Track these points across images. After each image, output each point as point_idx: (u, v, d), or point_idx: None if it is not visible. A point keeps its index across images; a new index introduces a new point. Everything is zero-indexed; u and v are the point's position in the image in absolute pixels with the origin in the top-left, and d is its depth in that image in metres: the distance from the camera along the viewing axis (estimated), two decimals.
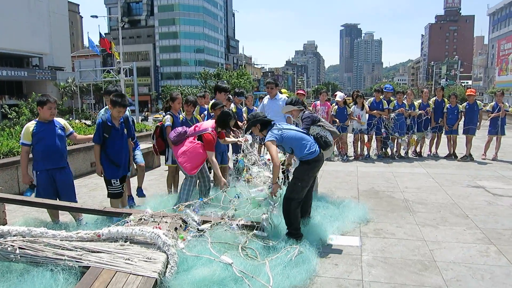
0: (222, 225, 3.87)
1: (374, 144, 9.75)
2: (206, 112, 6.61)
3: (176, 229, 3.71)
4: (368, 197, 6.07)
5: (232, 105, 7.22)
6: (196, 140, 4.80)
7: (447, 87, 67.26)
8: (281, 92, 8.81)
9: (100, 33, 31.24)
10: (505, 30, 74.33)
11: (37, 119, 4.48)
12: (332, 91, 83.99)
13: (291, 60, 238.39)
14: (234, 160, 6.02)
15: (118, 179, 4.70)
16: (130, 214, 3.94)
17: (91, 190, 6.86)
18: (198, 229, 3.83)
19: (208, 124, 4.92)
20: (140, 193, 5.82)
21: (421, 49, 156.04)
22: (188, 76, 75.11)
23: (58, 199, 4.56)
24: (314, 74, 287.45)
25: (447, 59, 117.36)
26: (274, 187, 4.10)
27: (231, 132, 5.88)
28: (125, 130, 4.79)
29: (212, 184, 5.32)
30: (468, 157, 9.15)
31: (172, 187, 5.98)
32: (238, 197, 4.35)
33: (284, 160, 5.30)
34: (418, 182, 6.98)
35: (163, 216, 3.93)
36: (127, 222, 3.75)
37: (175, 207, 4.27)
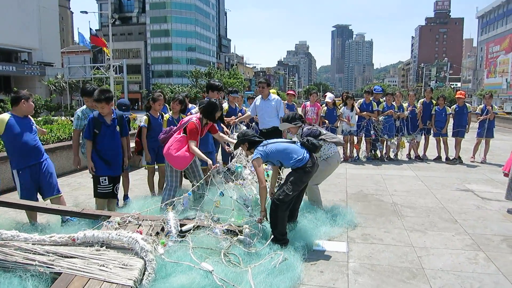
0: (204, 229, 3.74)
1: (363, 146, 9.69)
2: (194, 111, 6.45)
3: (157, 233, 3.56)
4: (357, 200, 5.98)
5: (225, 105, 7.03)
6: (181, 133, 4.62)
7: (437, 89, 67.90)
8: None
9: (90, 29, 30.81)
10: (493, 32, 75.32)
11: (11, 113, 4.28)
12: (323, 91, 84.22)
13: (282, 60, 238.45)
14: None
15: (106, 178, 4.53)
16: (109, 216, 3.78)
17: (74, 189, 6.66)
18: (181, 230, 3.69)
19: (193, 115, 4.77)
20: (127, 199, 5.76)
21: (411, 50, 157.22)
22: (179, 74, 74.59)
23: (40, 192, 4.43)
24: (306, 74, 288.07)
25: (436, 61, 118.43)
26: (261, 215, 3.98)
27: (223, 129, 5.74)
28: (118, 127, 4.62)
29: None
30: (457, 160, 9.13)
31: (157, 188, 5.82)
32: (223, 194, 4.21)
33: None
34: (407, 185, 6.92)
35: (144, 219, 3.78)
36: (109, 224, 3.59)
37: (162, 206, 4.14)
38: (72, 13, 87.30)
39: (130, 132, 8.98)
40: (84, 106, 5.15)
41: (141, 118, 5.59)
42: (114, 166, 4.55)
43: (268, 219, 4.00)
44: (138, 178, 7.45)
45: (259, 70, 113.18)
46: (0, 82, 40.38)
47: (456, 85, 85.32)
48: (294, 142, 4.22)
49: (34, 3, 39.75)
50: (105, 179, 4.51)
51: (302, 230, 4.26)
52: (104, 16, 65.21)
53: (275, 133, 6.33)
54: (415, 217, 5.15)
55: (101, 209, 4.39)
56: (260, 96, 6.70)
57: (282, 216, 3.89)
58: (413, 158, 9.58)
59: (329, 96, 9.33)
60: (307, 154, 4.04)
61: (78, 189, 6.66)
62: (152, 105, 5.60)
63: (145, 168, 6.06)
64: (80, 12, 27.14)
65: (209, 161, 4.43)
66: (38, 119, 11.83)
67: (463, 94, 9.50)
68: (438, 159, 9.41)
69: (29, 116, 4.41)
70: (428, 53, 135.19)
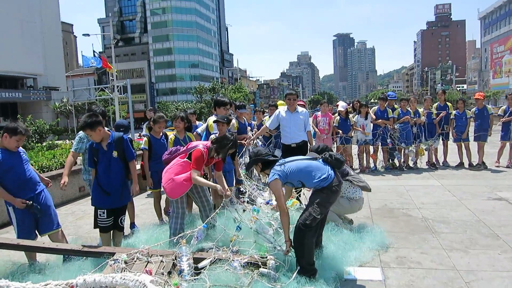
0: (222, 263, 3.30)
1: (380, 155, 9.20)
2: (203, 128, 6.04)
3: (169, 273, 3.13)
4: (382, 216, 5.50)
5: (234, 121, 6.61)
6: (185, 158, 4.18)
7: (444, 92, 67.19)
8: (276, 107, 8.23)
9: (94, 51, 30.89)
10: (497, 33, 74.93)
11: None
12: (328, 101, 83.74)
13: (285, 71, 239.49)
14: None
15: (105, 211, 4.08)
16: (114, 253, 3.36)
17: (78, 218, 6.27)
18: (197, 267, 3.26)
19: (202, 142, 4.36)
20: (133, 227, 5.36)
21: (414, 55, 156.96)
22: (183, 91, 74.86)
23: (37, 227, 4.02)
24: (309, 84, 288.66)
25: (440, 64, 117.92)
26: (287, 245, 3.52)
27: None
28: (116, 152, 4.15)
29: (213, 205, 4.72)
30: (481, 165, 8.61)
31: (164, 215, 5.41)
32: (240, 228, 3.77)
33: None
34: (434, 197, 6.42)
35: (153, 255, 3.35)
36: (114, 263, 3.17)
37: (174, 240, 3.69)
38: (76, 37, 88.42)
39: (139, 153, 8.57)
40: None
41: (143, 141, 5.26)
42: (114, 197, 4.10)
43: (293, 248, 3.55)
44: (145, 203, 7.03)
45: (262, 82, 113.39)
46: (7, 108, 40.65)
47: (463, 87, 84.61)
48: (315, 159, 3.78)
49: (38, 29, 40.20)
50: (103, 212, 4.07)
51: (330, 256, 3.80)
52: (107, 38, 66.08)
53: (303, 147, 5.88)
54: (451, 234, 4.67)
55: (106, 244, 3.97)
56: (284, 108, 6.07)
57: (309, 244, 3.44)
58: (429, 166, 9.01)
59: (342, 105, 8.90)
60: (332, 171, 3.60)
61: (82, 218, 6.27)
62: (152, 126, 5.27)
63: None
64: (82, 35, 27.22)
65: (218, 187, 4.03)
66: (42, 145, 11.55)
67: (482, 95, 9.02)
68: (460, 166, 8.89)
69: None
70: (432, 57, 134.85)
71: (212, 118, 5.56)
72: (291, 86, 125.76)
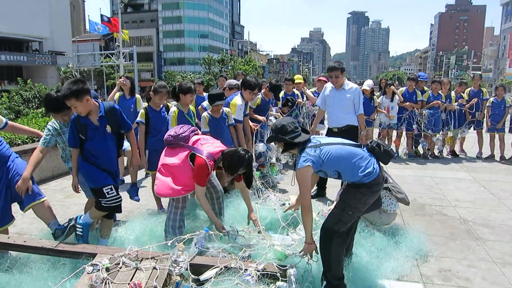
0: (230, 274, 2.62)
1: (404, 141, 8.40)
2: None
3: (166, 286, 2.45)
4: (414, 213, 4.79)
5: (259, 96, 5.82)
6: (188, 158, 3.44)
7: (457, 78, 65.33)
8: (292, 81, 7.56)
9: (101, 15, 29.81)
10: None
11: None
12: None
13: (296, 47, 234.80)
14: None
15: (111, 187, 3.31)
16: (95, 254, 2.68)
17: (67, 196, 5.62)
18: (198, 280, 2.59)
19: (210, 149, 3.43)
20: (133, 194, 4.70)
21: (430, 38, 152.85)
22: (191, 62, 73.50)
23: (17, 201, 3.37)
24: (320, 61, 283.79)
25: (456, 49, 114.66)
26: (306, 248, 2.80)
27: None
28: (109, 127, 3.35)
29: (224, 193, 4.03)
30: None
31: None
32: (250, 256, 3.01)
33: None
34: (469, 193, 5.68)
35: (143, 258, 2.67)
36: (93, 271, 2.48)
37: (169, 243, 2.96)
38: (84, 1, 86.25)
39: None
40: (53, 119, 3.73)
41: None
42: (114, 175, 3.44)
43: (318, 255, 2.85)
44: (144, 184, 6.35)
45: (272, 57, 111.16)
46: (12, 72, 39.89)
47: (479, 74, 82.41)
48: (359, 145, 2.96)
49: None
50: (110, 188, 3.30)
51: (362, 266, 3.10)
52: (115, 4, 64.33)
53: (348, 133, 4.81)
54: (498, 241, 3.95)
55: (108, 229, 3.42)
56: (331, 84, 5.13)
57: (337, 253, 2.74)
58: (450, 155, 8.30)
59: (368, 84, 7.94)
60: (378, 166, 2.84)
61: (72, 195, 5.57)
62: (152, 97, 4.49)
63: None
64: None
65: (218, 223, 3.38)
66: (37, 111, 10.92)
67: None
68: (490, 158, 8.10)
69: None
70: (448, 41, 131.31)
71: (238, 98, 4.98)
72: (301, 62, 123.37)
